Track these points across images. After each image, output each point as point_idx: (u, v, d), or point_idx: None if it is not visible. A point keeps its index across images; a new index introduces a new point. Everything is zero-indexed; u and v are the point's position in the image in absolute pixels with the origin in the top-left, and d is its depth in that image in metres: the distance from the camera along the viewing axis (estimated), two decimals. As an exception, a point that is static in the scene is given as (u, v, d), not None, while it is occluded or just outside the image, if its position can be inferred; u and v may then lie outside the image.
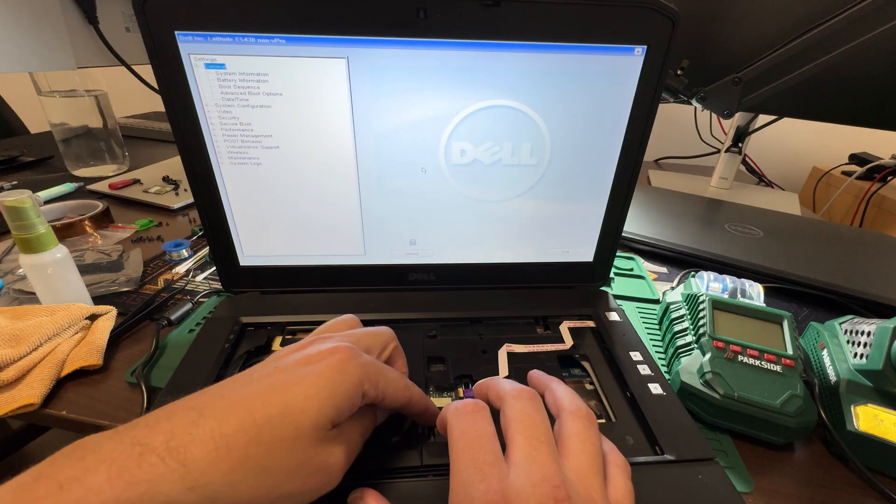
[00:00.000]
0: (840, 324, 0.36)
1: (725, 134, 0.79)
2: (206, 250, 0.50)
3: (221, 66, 0.30)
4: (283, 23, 0.29)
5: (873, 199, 0.86)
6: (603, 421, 0.29)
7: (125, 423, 0.18)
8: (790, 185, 1.04)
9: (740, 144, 0.75)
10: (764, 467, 0.29)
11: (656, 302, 0.44)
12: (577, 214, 0.38)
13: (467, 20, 0.30)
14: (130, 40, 0.64)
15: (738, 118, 0.74)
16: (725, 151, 0.77)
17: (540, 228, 0.38)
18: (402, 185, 0.35)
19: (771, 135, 0.82)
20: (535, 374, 0.26)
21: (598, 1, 0.30)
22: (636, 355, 0.33)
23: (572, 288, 0.41)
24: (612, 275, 0.45)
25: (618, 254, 0.49)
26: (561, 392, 0.23)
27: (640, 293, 0.45)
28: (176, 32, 0.29)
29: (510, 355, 0.33)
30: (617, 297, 0.44)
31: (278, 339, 0.35)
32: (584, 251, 0.40)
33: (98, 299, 0.40)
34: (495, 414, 0.21)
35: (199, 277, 0.45)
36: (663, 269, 0.51)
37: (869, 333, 0.31)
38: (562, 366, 0.33)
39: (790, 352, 0.31)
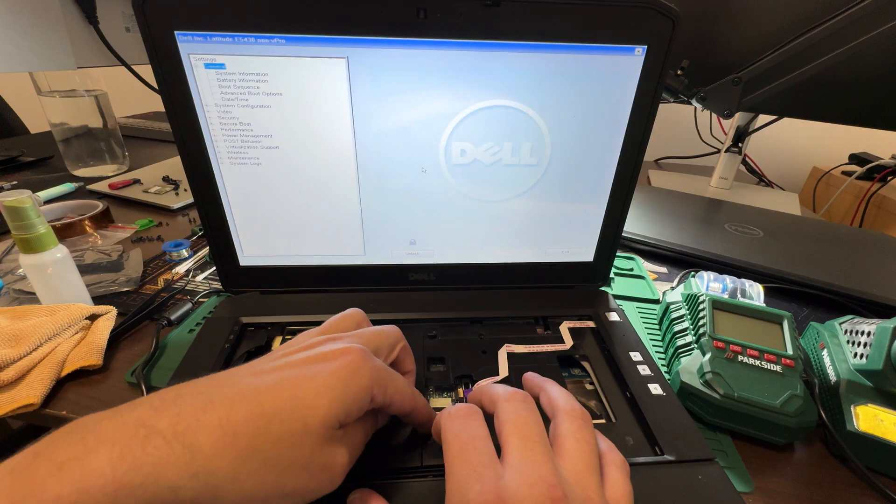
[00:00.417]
0: (840, 324, 0.36)
1: (725, 134, 0.79)
2: (206, 250, 0.50)
3: (221, 66, 0.30)
4: (283, 23, 0.29)
5: (873, 199, 0.86)
6: (603, 421, 0.29)
7: (124, 403, 0.17)
8: (790, 185, 1.04)
9: (740, 144, 0.75)
10: (764, 467, 0.29)
11: (656, 302, 0.44)
12: (577, 214, 0.38)
13: (467, 20, 0.30)
14: (130, 40, 0.64)
15: (738, 118, 0.74)
16: (725, 151, 0.77)
17: (540, 228, 0.38)
18: (402, 185, 0.35)
19: (771, 135, 0.82)
20: (530, 377, 0.26)
21: (599, 1, 0.30)
22: (636, 355, 0.33)
23: (572, 288, 0.41)
24: (612, 275, 0.45)
25: (618, 254, 0.49)
26: (555, 393, 0.23)
27: (640, 293, 0.45)
28: (176, 32, 0.29)
29: (510, 355, 0.33)
30: (617, 297, 0.44)
31: (278, 340, 0.35)
32: (584, 251, 0.40)
33: (98, 299, 0.40)
34: (490, 419, 0.21)
35: (199, 277, 0.45)
36: (663, 269, 0.51)
37: (869, 333, 0.31)
38: (562, 366, 0.33)
39: (790, 352, 0.31)
